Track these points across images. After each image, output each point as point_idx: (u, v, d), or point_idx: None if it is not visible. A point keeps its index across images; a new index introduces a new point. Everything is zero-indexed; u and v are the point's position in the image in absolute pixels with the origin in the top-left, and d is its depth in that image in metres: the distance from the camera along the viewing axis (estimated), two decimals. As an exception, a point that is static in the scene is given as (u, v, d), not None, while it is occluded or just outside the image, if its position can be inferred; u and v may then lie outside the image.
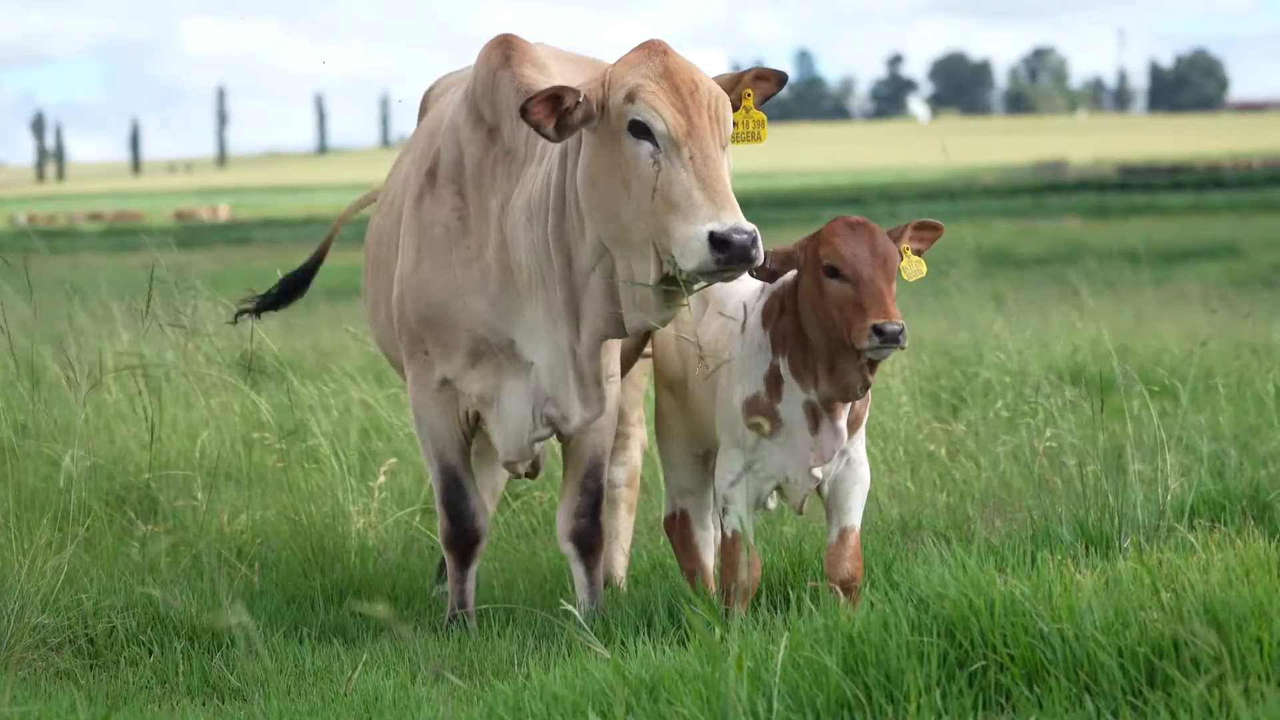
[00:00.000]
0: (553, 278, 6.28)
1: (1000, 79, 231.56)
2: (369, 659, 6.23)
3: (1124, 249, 26.78)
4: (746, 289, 6.28)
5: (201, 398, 9.71)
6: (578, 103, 6.00)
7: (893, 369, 10.03)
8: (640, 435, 7.59)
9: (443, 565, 7.47)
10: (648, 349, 6.89)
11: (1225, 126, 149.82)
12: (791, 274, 6.09)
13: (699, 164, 5.88)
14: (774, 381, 6.08)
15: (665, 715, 4.94)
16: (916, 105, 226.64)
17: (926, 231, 6.11)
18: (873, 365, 5.94)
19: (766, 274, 6.02)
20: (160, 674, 6.31)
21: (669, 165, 5.90)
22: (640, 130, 5.93)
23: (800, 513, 6.26)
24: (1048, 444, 8.21)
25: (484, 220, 6.46)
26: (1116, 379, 7.27)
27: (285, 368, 9.18)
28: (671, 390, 6.60)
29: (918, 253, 6.07)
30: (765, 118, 6.27)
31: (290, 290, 8.31)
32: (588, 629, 5.94)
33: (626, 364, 6.85)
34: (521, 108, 6.00)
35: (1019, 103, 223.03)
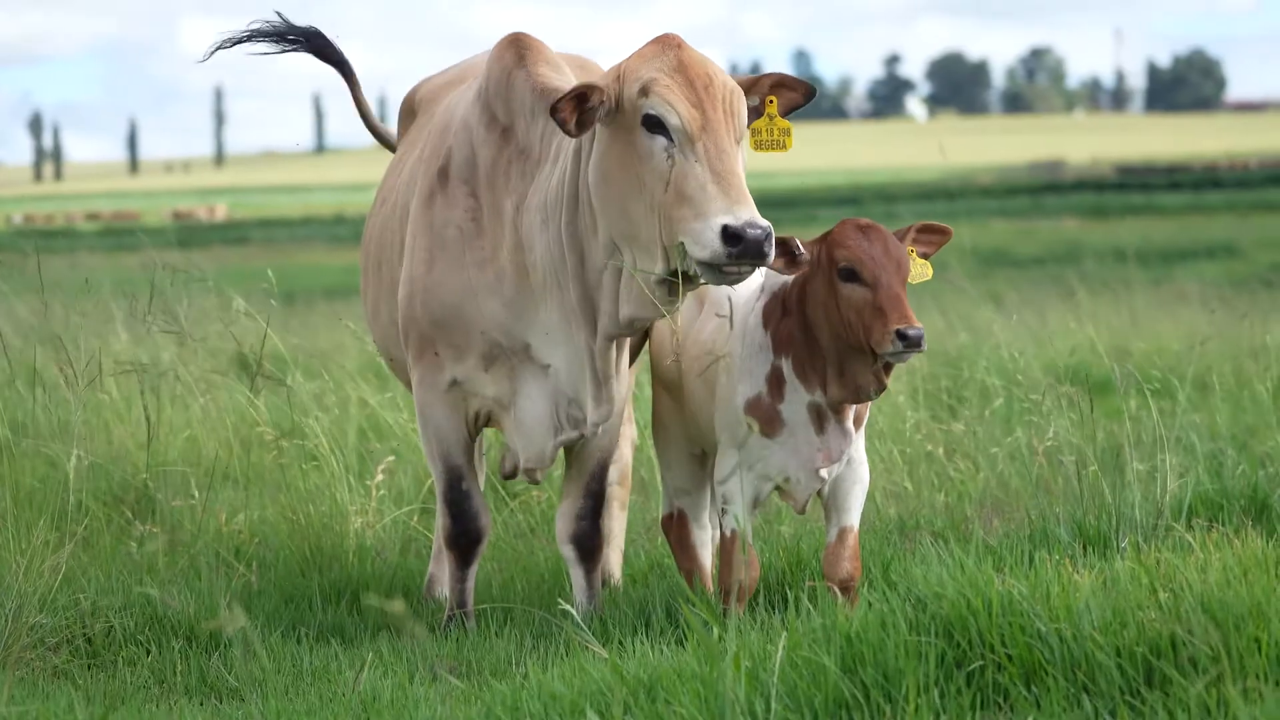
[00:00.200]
0: (566, 277, 6.26)
1: (998, 79, 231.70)
2: (370, 658, 6.22)
3: (1121, 249, 26.79)
4: (747, 288, 6.27)
5: (199, 397, 9.70)
6: (601, 101, 6.01)
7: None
8: (630, 432, 7.58)
9: (432, 581, 7.48)
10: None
11: (1223, 126, 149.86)
12: (793, 275, 6.08)
13: (713, 158, 5.86)
14: (776, 382, 6.07)
15: (663, 715, 4.94)
16: (914, 105, 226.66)
17: (932, 235, 6.09)
18: (888, 368, 5.94)
19: (797, 266, 5.97)
20: (158, 673, 6.31)
21: (683, 159, 5.88)
22: (654, 124, 5.92)
23: (802, 512, 6.26)
24: (1046, 444, 8.21)
25: (498, 221, 6.44)
26: (1114, 379, 7.26)
27: (284, 366, 9.18)
28: (669, 390, 6.60)
29: (924, 256, 6.06)
30: (791, 126, 6.24)
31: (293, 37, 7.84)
32: (585, 629, 5.93)
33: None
34: (552, 107, 5.98)
35: (1016, 103, 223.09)
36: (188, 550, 7.83)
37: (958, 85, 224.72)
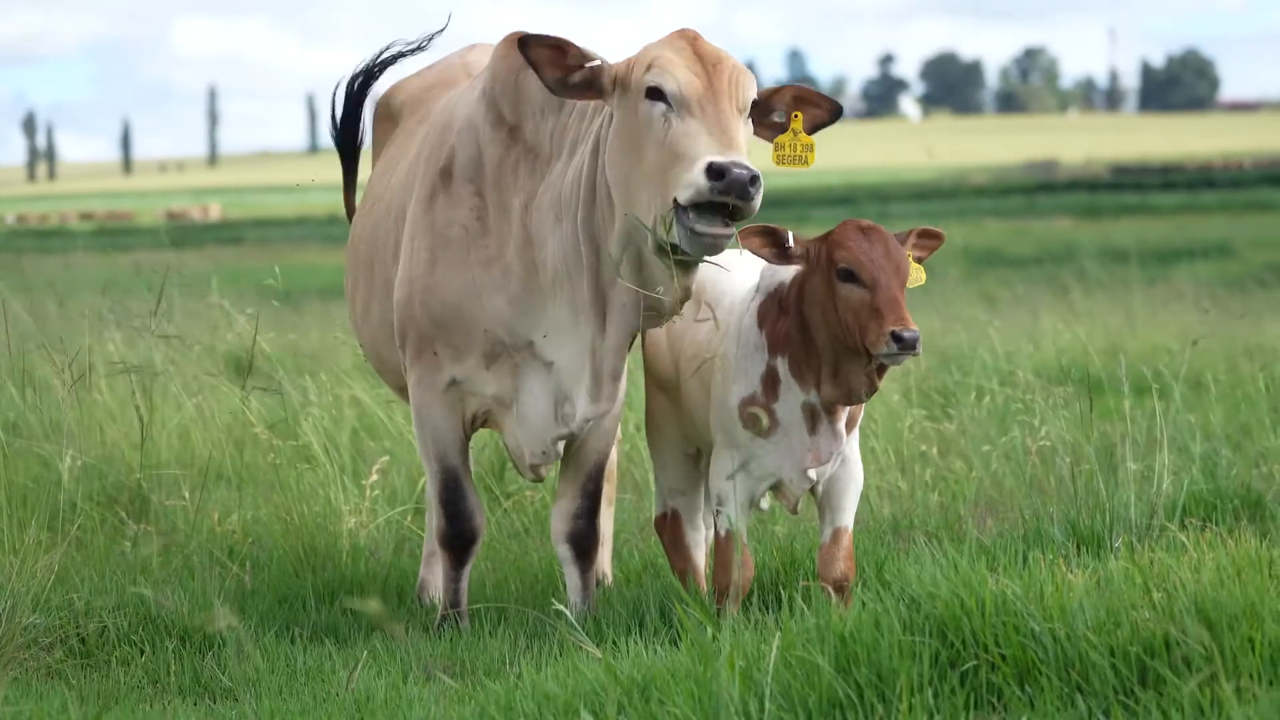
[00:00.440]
0: (580, 272, 6.27)
1: (991, 79, 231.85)
2: (363, 658, 6.22)
3: (1116, 249, 26.81)
4: (743, 288, 6.27)
5: (193, 396, 9.70)
6: (582, 64, 6.05)
7: (884, 368, 10.01)
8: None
9: (423, 586, 7.47)
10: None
11: (1216, 126, 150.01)
12: (789, 275, 6.08)
13: (709, 116, 5.91)
14: (771, 382, 6.07)
15: (657, 715, 4.94)
16: (908, 105, 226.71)
17: (929, 240, 6.11)
18: (882, 370, 5.94)
19: (786, 257, 5.98)
20: (152, 674, 6.30)
21: (679, 121, 5.94)
22: (655, 93, 5.99)
23: (794, 512, 6.26)
24: (1039, 444, 8.21)
25: (505, 220, 6.44)
26: (1116, 377, 7.27)
27: (278, 366, 9.17)
28: (663, 390, 6.60)
29: (919, 260, 6.07)
30: (814, 143, 6.26)
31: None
32: (579, 628, 5.93)
33: None
34: (521, 39, 6.06)
35: (1010, 102, 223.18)
36: (181, 550, 7.82)
37: (952, 85, 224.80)
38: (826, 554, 6.17)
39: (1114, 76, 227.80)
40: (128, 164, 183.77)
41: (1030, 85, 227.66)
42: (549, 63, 6.13)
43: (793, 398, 6.05)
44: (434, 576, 7.42)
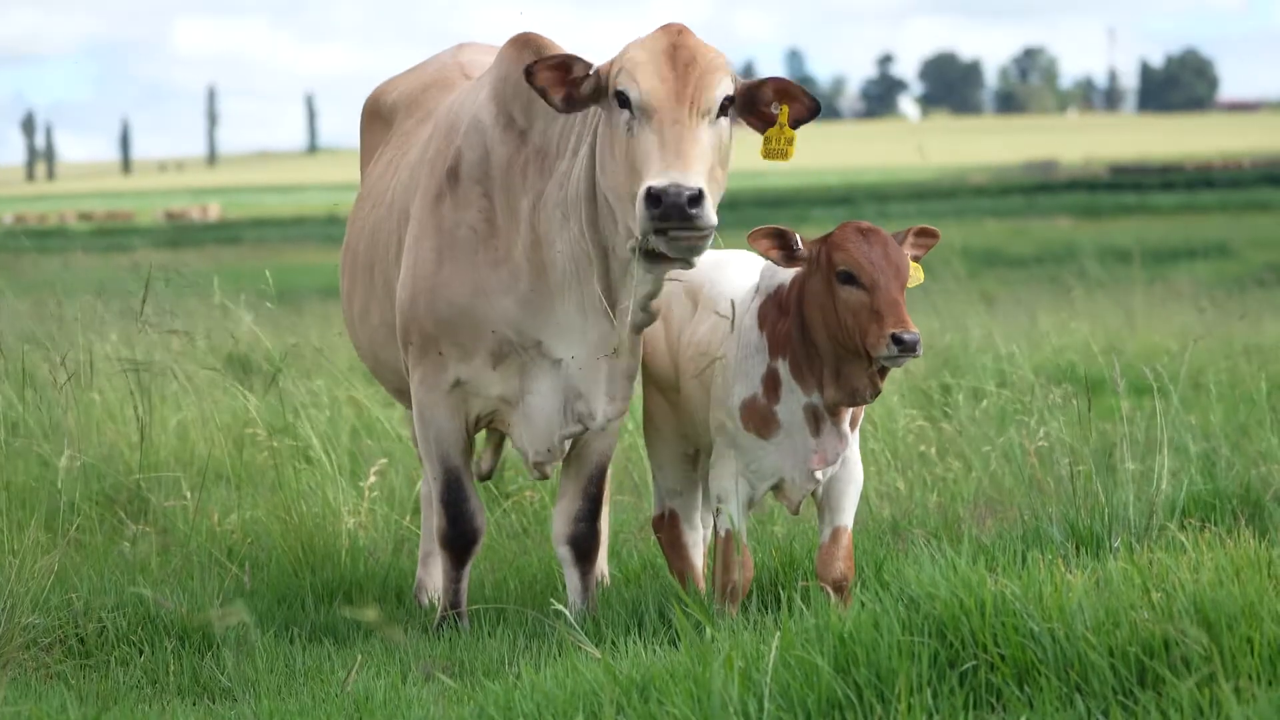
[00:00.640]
0: (589, 272, 6.27)
1: (990, 78, 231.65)
2: (360, 659, 6.22)
3: (1115, 248, 26.81)
4: (740, 288, 6.27)
5: (192, 397, 9.70)
6: (587, 74, 6.05)
7: (883, 368, 10.01)
8: None
9: (420, 587, 7.47)
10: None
11: (1215, 126, 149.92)
12: (789, 276, 6.08)
13: (666, 129, 5.89)
14: (772, 383, 6.07)
15: (656, 715, 4.94)
16: (907, 105, 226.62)
17: (926, 238, 6.11)
18: (883, 372, 5.94)
19: (794, 259, 5.98)
20: (151, 674, 6.30)
21: (639, 130, 5.93)
22: (623, 99, 5.99)
23: (795, 512, 6.26)
24: (1038, 444, 8.21)
25: (513, 220, 6.43)
26: (1113, 377, 7.27)
27: (275, 366, 9.17)
28: (661, 391, 6.59)
29: (916, 259, 6.06)
30: (796, 137, 6.23)
31: None
32: (578, 629, 5.93)
33: None
34: (527, 69, 6.04)
35: (1009, 102, 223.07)
36: (180, 550, 7.82)
37: (951, 85, 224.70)
38: (826, 554, 6.17)
39: (1113, 76, 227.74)
40: (127, 164, 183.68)
41: (1029, 85, 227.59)
42: (554, 84, 6.08)
43: (794, 399, 6.05)
44: (430, 577, 7.42)
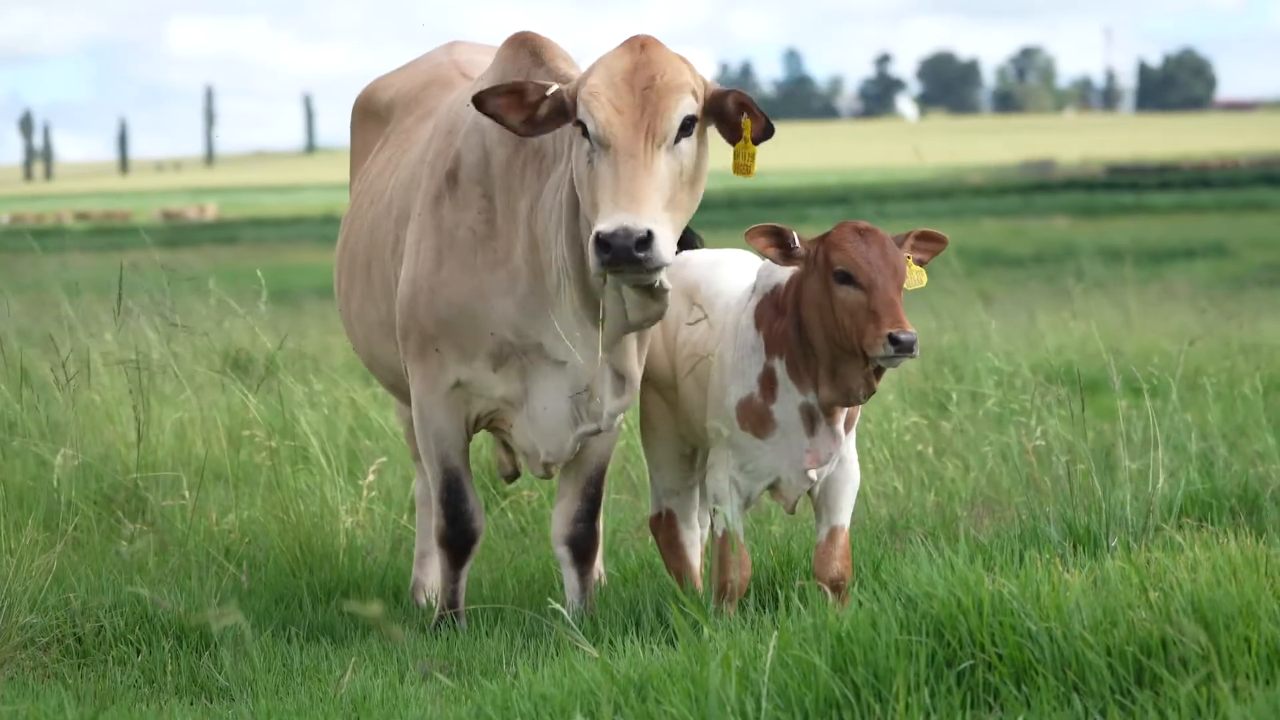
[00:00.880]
0: (578, 274, 6.28)
1: (988, 78, 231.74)
2: (357, 658, 6.22)
3: (1113, 248, 26.81)
4: (736, 287, 6.27)
5: (190, 396, 9.69)
6: (543, 98, 6.03)
7: (881, 368, 10.01)
8: None
9: (416, 586, 7.47)
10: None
11: (1213, 126, 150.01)
12: (785, 276, 6.08)
13: (620, 164, 5.88)
14: (768, 383, 6.07)
15: (653, 714, 4.94)
16: (905, 105, 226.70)
17: (929, 243, 6.10)
18: (879, 372, 5.94)
19: (791, 258, 5.98)
20: (148, 673, 6.30)
21: (598, 163, 5.94)
22: (584, 129, 5.99)
23: (792, 512, 6.26)
24: (1036, 443, 8.22)
25: (512, 222, 6.43)
26: (1109, 377, 7.27)
27: (273, 365, 9.17)
28: (658, 390, 6.59)
29: (919, 263, 6.06)
30: (756, 152, 6.19)
31: None
32: (576, 628, 5.93)
33: None
34: (475, 98, 6.06)
35: (1007, 102, 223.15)
36: (178, 550, 7.82)
37: (948, 85, 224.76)
38: (823, 553, 6.17)
39: (1111, 76, 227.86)
40: (124, 164, 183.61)
41: (1027, 85, 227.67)
42: (509, 109, 6.09)
43: (790, 399, 6.05)
44: (427, 576, 7.42)
